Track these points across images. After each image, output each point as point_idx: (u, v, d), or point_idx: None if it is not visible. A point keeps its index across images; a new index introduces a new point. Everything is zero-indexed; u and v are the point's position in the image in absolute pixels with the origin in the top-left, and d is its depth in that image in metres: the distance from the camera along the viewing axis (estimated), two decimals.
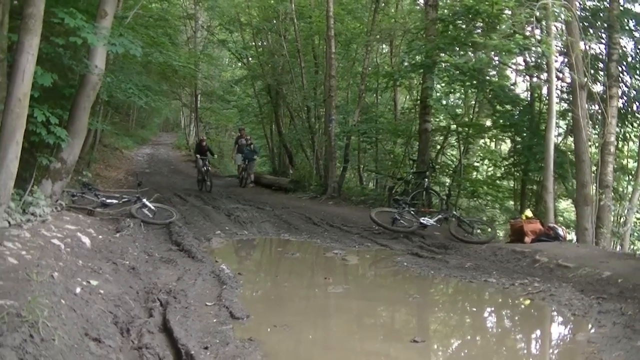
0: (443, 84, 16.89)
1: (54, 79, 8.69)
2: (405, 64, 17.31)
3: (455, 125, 17.41)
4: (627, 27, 13.28)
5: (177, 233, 10.23)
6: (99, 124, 15.71)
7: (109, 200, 11.57)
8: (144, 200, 11.53)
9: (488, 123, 18.19)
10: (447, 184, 17.34)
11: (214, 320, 5.53)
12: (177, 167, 28.00)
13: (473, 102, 18.16)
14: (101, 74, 10.16)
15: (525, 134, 15.40)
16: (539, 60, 13.79)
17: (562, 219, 15.91)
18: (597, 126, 13.63)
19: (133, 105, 28.06)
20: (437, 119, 18.80)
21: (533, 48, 11.94)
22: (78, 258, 6.47)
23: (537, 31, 12.83)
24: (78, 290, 5.21)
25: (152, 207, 11.53)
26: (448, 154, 19.76)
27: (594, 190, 11.79)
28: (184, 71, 22.91)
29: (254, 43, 26.61)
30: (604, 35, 13.33)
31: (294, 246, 10.50)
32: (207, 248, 9.64)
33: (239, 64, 30.95)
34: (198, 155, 19.54)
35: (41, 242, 6.57)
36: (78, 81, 10.42)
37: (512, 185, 17.08)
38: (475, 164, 18.88)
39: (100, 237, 8.38)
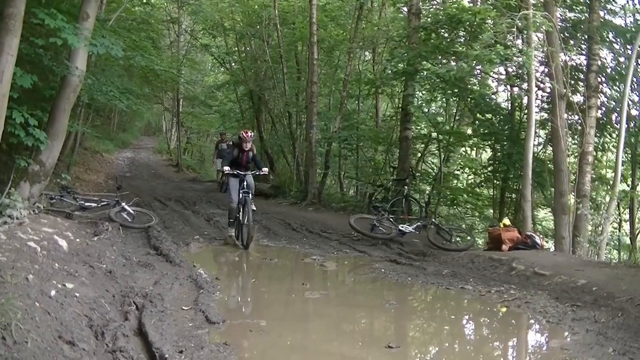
0: (424, 92, 17.01)
1: (34, 80, 8.65)
2: (388, 71, 17.35)
3: (436, 133, 17.54)
4: (606, 39, 13.48)
5: (155, 237, 10.20)
6: (79, 127, 15.64)
7: (87, 204, 11.54)
8: (123, 204, 11.48)
9: (469, 131, 18.35)
10: (427, 191, 17.43)
11: (190, 325, 5.52)
12: (158, 172, 27.85)
13: (454, 111, 18.26)
14: (82, 76, 10.08)
15: (505, 143, 15.55)
16: (520, 70, 13.93)
17: (540, 227, 16.04)
18: (576, 136, 13.81)
19: (114, 108, 27.92)
20: (418, 127, 18.97)
21: (514, 58, 12.06)
22: (54, 261, 6.42)
23: (519, 41, 12.95)
24: (53, 293, 5.17)
25: (131, 211, 11.47)
26: (428, 161, 19.91)
27: (572, 200, 11.92)
28: (166, 75, 22.82)
29: (237, 48, 26.59)
30: (584, 47, 13.52)
31: (272, 252, 10.46)
32: (186, 253, 9.60)
33: (222, 69, 30.88)
34: (228, 169, 10.55)
35: (17, 244, 6.50)
36: (58, 83, 10.34)
37: (492, 193, 17.20)
38: (456, 172, 18.99)
39: (77, 240, 8.31)
